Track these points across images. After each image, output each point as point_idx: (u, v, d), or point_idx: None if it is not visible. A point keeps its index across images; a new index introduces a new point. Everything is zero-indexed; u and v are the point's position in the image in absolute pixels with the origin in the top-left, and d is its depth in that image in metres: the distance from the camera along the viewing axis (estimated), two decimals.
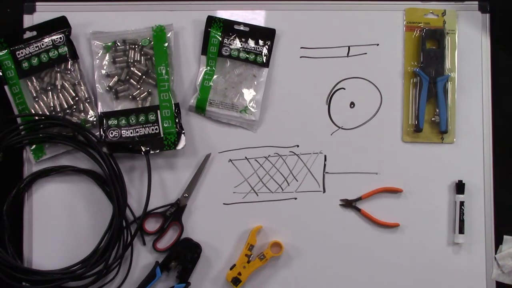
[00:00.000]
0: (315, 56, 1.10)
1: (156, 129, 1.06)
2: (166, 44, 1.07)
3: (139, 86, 1.08)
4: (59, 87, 1.07)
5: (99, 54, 1.08)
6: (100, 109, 1.07)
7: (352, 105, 1.10)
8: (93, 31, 1.08)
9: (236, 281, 1.06)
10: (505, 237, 1.09)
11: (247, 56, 1.09)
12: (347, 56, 1.11)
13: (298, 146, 1.10)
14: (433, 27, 1.10)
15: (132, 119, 1.07)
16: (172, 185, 1.08)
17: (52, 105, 1.06)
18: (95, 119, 1.07)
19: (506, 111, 1.11)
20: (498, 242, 1.09)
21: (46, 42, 1.06)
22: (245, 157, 1.09)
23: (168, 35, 1.08)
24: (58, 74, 1.07)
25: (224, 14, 1.10)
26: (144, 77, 1.08)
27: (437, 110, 1.09)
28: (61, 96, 1.07)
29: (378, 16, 1.11)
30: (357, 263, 1.08)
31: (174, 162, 1.08)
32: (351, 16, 1.11)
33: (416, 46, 1.11)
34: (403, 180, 1.09)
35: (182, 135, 1.07)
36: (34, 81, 1.06)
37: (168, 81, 1.07)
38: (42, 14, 1.08)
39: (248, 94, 1.09)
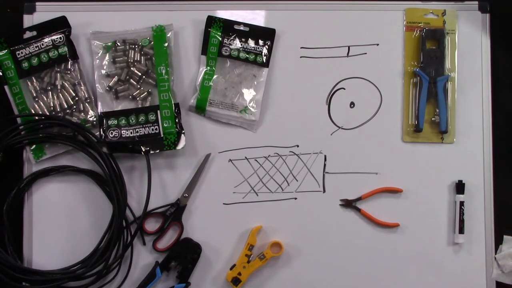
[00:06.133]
0: (315, 56, 1.10)
1: (156, 129, 1.06)
2: (166, 44, 1.07)
3: (139, 86, 1.08)
4: (59, 87, 1.07)
5: (99, 54, 1.08)
6: (100, 109, 1.07)
7: (352, 105, 1.10)
8: (93, 31, 1.08)
9: (236, 281, 1.06)
10: (505, 237, 1.09)
11: (247, 56, 1.09)
12: (347, 56, 1.11)
13: (298, 146, 1.10)
14: (433, 27, 1.10)
15: (132, 119, 1.07)
16: (172, 185, 1.08)
17: (52, 105, 1.06)
18: (95, 119, 1.07)
19: (506, 111, 1.11)
20: (498, 242, 1.09)
21: (46, 42, 1.06)
22: (245, 157, 1.09)
23: (168, 35, 1.08)
24: (58, 74, 1.07)
25: (224, 14, 1.10)
26: (144, 77, 1.08)
27: (437, 110, 1.09)
28: (61, 96, 1.07)
29: (378, 16, 1.11)
30: (357, 263, 1.08)
31: (174, 162, 1.09)
32: (351, 16, 1.11)
33: (416, 46, 1.11)
34: (403, 180, 1.09)
35: (182, 135, 1.07)
36: (34, 81, 1.06)
37: (168, 81, 1.07)
38: (42, 14, 1.08)
39: (248, 94, 1.09)
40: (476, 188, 1.09)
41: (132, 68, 1.08)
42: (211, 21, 1.09)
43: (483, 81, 1.11)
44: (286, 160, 1.10)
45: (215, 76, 1.09)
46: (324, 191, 1.09)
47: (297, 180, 1.10)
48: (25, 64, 1.06)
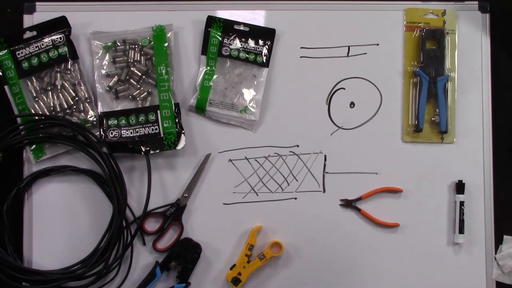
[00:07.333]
0: (315, 56, 1.10)
1: (156, 129, 1.06)
2: (166, 44, 1.07)
3: (139, 86, 1.08)
4: (59, 87, 1.07)
5: (99, 54, 1.08)
6: (100, 109, 1.07)
7: (352, 105, 1.10)
8: (93, 31, 1.08)
9: (236, 281, 1.06)
10: (505, 237, 1.09)
11: (247, 56, 1.09)
12: (347, 56, 1.11)
13: (298, 146, 1.10)
14: (433, 27, 1.10)
15: (132, 119, 1.07)
16: (172, 185, 1.08)
17: (52, 105, 1.06)
18: (95, 119, 1.07)
19: (506, 111, 1.11)
20: (498, 242, 1.09)
21: (46, 42, 1.06)
22: (245, 157, 1.09)
23: (168, 35, 1.08)
24: (58, 74, 1.07)
25: (224, 14, 1.10)
26: (144, 77, 1.08)
27: (437, 110, 1.09)
28: (61, 96, 1.07)
29: (378, 16, 1.11)
30: (357, 263, 1.08)
31: (174, 162, 1.09)
32: (351, 16, 1.11)
33: (416, 46, 1.11)
34: (403, 180, 1.09)
35: (182, 135, 1.07)
36: (34, 81, 1.06)
37: (168, 81, 1.07)
38: (42, 14, 1.08)
39: (248, 94, 1.09)
40: (476, 188, 1.09)
41: (132, 68, 1.08)
42: (211, 21, 1.09)
43: (483, 81, 1.11)
44: (286, 160, 1.10)
45: (215, 76, 1.09)
46: (324, 191, 1.09)
47: (297, 180, 1.10)
48: (25, 64, 1.06)
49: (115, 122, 1.06)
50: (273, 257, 1.07)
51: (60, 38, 1.07)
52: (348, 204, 1.09)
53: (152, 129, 1.07)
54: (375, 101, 1.10)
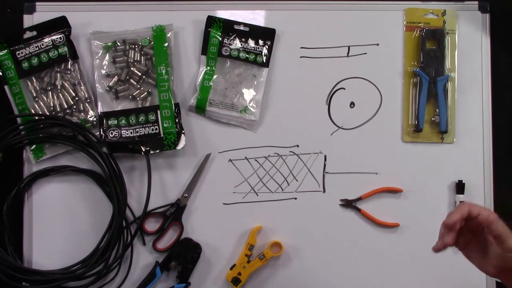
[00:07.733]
0: (315, 56, 1.10)
1: (156, 129, 1.06)
2: (166, 44, 1.07)
3: (139, 86, 1.08)
4: (59, 87, 1.07)
5: (99, 54, 1.08)
6: (100, 109, 1.07)
7: (352, 105, 1.10)
8: (93, 31, 1.08)
9: (236, 281, 1.06)
10: None
11: (247, 56, 1.09)
12: (347, 56, 1.11)
13: (298, 146, 1.10)
14: (433, 27, 1.10)
15: (132, 119, 1.07)
16: (172, 185, 1.08)
17: (52, 105, 1.06)
18: (95, 119, 1.07)
19: (506, 111, 1.11)
20: None
21: (46, 42, 1.06)
22: (245, 157, 1.09)
23: (168, 35, 1.08)
24: (58, 74, 1.07)
25: (224, 14, 1.10)
26: (144, 77, 1.08)
27: (437, 110, 1.09)
28: (61, 96, 1.07)
29: (378, 16, 1.11)
30: (357, 263, 1.08)
31: (174, 162, 1.09)
32: (351, 16, 1.11)
33: (416, 46, 1.11)
34: (403, 180, 1.09)
35: (182, 135, 1.07)
36: (34, 81, 1.06)
37: (168, 81, 1.07)
38: (42, 14, 1.08)
39: (248, 94, 1.09)
40: (476, 188, 1.09)
41: (132, 68, 1.08)
42: (211, 21, 1.09)
43: (483, 81, 1.11)
44: (286, 160, 1.10)
45: (215, 76, 1.09)
46: (324, 191, 1.09)
47: (297, 180, 1.10)
48: (25, 64, 1.06)
49: (115, 122, 1.06)
50: (273, 257, 1.07)
51: (60, 38, 1.07)
52: (348, 204, 1.09)
53: (152, 129, 1.07)
54: (375, 101, 1.10)
